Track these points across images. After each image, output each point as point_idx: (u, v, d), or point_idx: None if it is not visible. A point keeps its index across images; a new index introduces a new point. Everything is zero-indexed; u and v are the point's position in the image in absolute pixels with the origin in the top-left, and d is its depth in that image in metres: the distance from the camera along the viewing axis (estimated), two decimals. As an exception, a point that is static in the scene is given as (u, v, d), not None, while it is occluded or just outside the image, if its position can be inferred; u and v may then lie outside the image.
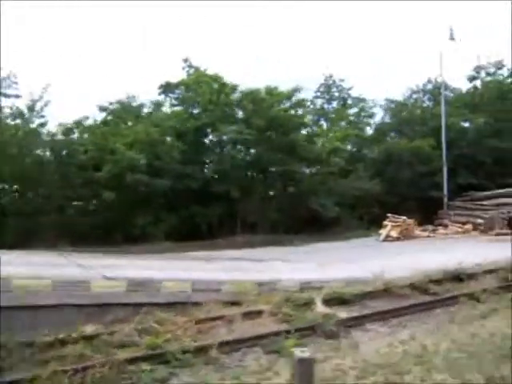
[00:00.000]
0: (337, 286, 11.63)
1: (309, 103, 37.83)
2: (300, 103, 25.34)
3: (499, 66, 36.17)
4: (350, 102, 37.84)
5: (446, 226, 26.65)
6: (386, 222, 23.11)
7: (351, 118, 34.72)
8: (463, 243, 21.23)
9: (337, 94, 38.33)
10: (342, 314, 10.00)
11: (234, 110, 24.33)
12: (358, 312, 10.26)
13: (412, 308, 10.01)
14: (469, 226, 25.35)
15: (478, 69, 36.38)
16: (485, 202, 27.07)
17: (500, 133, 30.53)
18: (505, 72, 36.59)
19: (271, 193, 25.72)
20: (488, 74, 35.88)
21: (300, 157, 23.91)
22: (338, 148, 24.50)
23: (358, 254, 18.42)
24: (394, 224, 22.59)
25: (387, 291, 11.52)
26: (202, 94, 24.40)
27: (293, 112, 25.13)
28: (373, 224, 25.72)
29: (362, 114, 34.91)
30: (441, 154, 28.77)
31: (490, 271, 13.53)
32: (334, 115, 33.46)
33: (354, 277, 12.47)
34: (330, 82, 38.73)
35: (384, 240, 22.43)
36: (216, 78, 25.58)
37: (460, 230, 24.69)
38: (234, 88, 24.46)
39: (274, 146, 23.34)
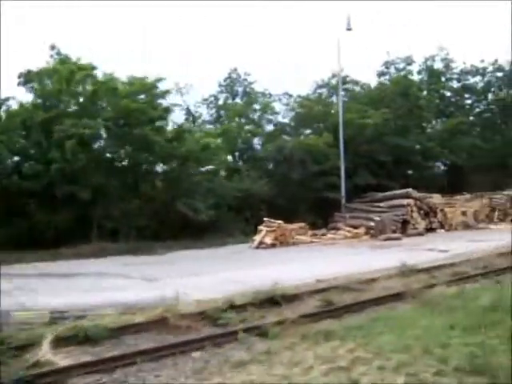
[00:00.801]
0: (101, 314, 8.86)
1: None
2: (161, 95, 22.28)
3: (409, 61, 34.61)
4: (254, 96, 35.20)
5: (339, 230, 24.33)
6: (260, 227, 20.49)
7: (257, 114, 32.05)
8: (342, 250, 18.92)
9: (241, 89, 35.68)
10: (65, 361, 7.16)
11: (92, 101, 21.06)
12: (95, 355, 7.39)
13: (162, 350, 7.18)
14: (361, 230, 23.12)
15: (387, 64, 34.66)
16: (381, 204, 24.98)
17: (402, 131, 28.64)
18: (415, 67, 35.20)
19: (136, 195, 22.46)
20: (397, 70, 34.18)
21: (160, 154, 20.91)
22: (209, 145, 21.60)
23: (216, 264, 16.13)
24: (268, 229, 19.95)
25: (165, 321, 8.78)
26: (55, 82, 21.07)
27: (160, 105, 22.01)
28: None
29: (267, 109, 32.26)
30: (338, 153, 26.42)
31: (322, 290, 11.06)
32: (230, 110, 30.64)
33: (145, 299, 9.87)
34: (234, 75, 36.05)
35: (257, 247, 19.78)
36: (82, 67, 22.21)
37: (349, 234, 22.38)
38: (90, 76, 21.15)
39: (128, 141, 20.27)
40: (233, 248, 20.61)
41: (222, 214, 23.39)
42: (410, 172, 29.20)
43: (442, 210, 25.39)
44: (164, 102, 22.50)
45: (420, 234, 23.01)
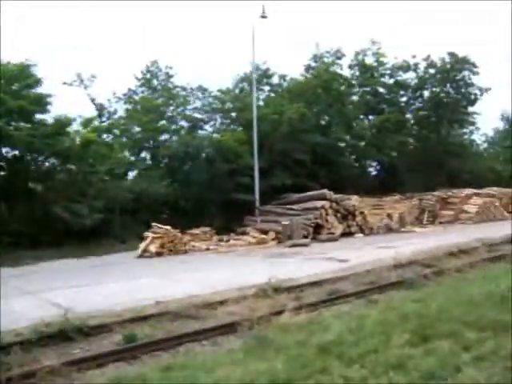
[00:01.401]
0: None
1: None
2: (32, 83, 19.55)
3: (339, 55, 32.78)
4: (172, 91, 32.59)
5: (246, 235, 22.15)
6: (147, 233, 18.08)
7: (172, 109, 29.46)
8: (232, 260, 16.72)
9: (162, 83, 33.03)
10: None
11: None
12: None
13: None
14: (269, 235, 21.00)
15: (315, 57, 32.72)
16: (294, 207, 22.93)
17: (324, 127, 26.71)
18: (346, 62, 33.41)
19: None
20: (325, 64, 32.26)
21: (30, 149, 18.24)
22: (90, 141, 19.03)
23: (69, 278, 13.71)
24: (154, 235, 17.56)
25: None
26: None
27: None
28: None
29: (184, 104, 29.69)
30: (251, 151, 24.20)
31: (143, 318, 8.88)
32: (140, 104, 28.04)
33: None
34: (154, 69, 33.39)
35: (141, 256, 17.38)
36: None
37: (253, 240, 20.22)
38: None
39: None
40: (115, 257, 18.21)
41: (114, 217, 20.80)
42: (335, 172, 27.11)
43: (361, 213, 23.49)
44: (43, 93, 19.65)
45: (333, 240, 21.06)
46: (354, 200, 23.17)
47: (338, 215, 22.83)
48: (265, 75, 29.75)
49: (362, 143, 29.90)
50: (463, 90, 35.55)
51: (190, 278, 12.91)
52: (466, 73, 35.59)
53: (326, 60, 32.52)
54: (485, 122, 63.09)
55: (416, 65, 33.47)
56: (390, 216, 26.58)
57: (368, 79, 33.27)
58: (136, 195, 21.15)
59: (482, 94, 35.39)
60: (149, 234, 17.96)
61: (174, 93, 28.27)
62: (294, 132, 24.20)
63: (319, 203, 22.20)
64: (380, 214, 27.44)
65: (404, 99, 36.61)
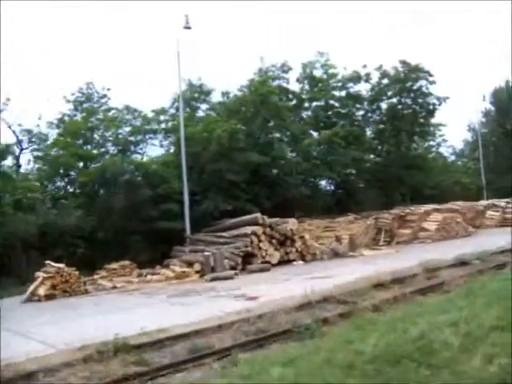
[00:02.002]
0: None
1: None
2: None
3: (285, 68, 30.87)
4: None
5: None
6: (38, 273, 15.64)
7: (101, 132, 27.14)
8: (129, 302, 14.29)
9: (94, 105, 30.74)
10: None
11: None
12: None
13: None
14: (194, 268, 18.71)
15: (260, 72, 30.78)
16: (224, 234, 20.62)
17: (264, 145, 24.58)
18: (293, 75, 31.51)
19: None
20: (270, 78, 30.30)
21: None
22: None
23: None
24: (46, 276, 15.13)
25: None
26: None
27: None
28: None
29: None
30: (181, 173, 21.97)
31: None
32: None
33: None
34: (90, 90, 31.12)
35: (28, 300, 14.92)
36: None
37: (172, 274, 17.90)
38: None
39: None
40: (4, 302, 15.71)
41: (16, 255, 18.33)
42: (280, 193, 24.91)
43: (301, 238, 21.24)
44: None
45: (265, 270, 18.72)
46: (291, 224, 20.91)
47: (274, 241, 20.49)
48: (202, 92, 27.63)
49: (312, 161, 27.72)
50: (421, 101, 33.73)
51: (43, 332, 10.48)
52: (423, 82, 33.87)
53: (271, 74, 30.57)
54: (453, 134, 61.92)
55: (368, 75, 31.63)
56: (338, 239, 24.39)
57: (318, 92, 31.35)
58: (42, 228, 18.68)
59: (440, 104, 33.64)
60: (39, 274, 15.50)
61: (106, 115, 25.88)
62: (224, 151, 21.96)
63: (250, 229, 19.89)
64: (331, 237, 25.42)
65: (361, 112, 34.75)
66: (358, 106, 33.45)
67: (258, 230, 20.07)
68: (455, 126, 71.99)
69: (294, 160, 24.36)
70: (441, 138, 46.78)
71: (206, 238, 21.61)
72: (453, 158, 48.80)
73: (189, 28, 22.52)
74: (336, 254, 22.50)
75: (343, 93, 32.08)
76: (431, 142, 46.76)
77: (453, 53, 73.87)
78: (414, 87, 33.73)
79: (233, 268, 18.82)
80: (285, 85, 30.08)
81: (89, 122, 26.14)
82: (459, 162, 48.52)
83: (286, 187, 24.81)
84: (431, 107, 33.92)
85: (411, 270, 15.91)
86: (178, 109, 27.69)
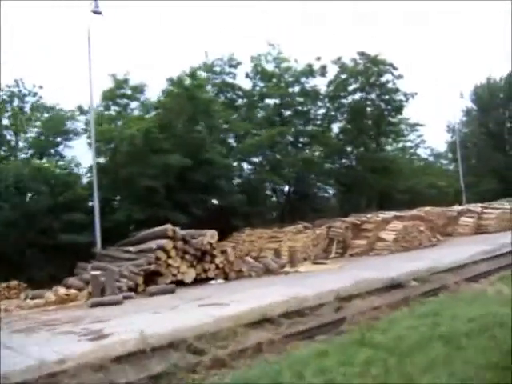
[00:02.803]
0: None
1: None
2: None
3: (233, 63, 28.02)
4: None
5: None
6: None
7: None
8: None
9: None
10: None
11: None
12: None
13: None
14: (80, 291, 15.83)
15: (205, 67, 27.92)
16: (131, 248, 17.75)
17: (194, 146, 21.72)
18: (242, 70, 28.66)
19: None
20: (214, 73, 27.47)
21: None
22: None
23: None
24: None
25: None
26: None
27: None
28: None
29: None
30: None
31: None
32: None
33: None
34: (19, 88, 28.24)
35: None
36: None
37: (54, 298, 15.03)
38: None
39: None
40: None
41: None
42: (216, 199, 22.05)
43: (223, 252, 18.33)
44: None
45: (168, 291, 15.81)
46: (209, 236, 18.01)
47: (188, 257, 17.58)
48: (134, 89, 24.72)
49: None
50: (387, 97, 30.82)
51: None
52: (389, 77, 31.00)
53: (218, 69, 27.73)
54: (435, 135, 59.11)
55: (324, 68, 28.65)
56: (277, 252, 21.54)
57: (271, 88, 28.46)
58: None
59: (407, 100, 30.73)
60: None
61: (17, 115, 22.98)
62: (138, 153, 19.05)
63: (156, 243, 17.01)
64: (275, 249, 22.72)
65: (323, 110, 31.84)
66: (319, 103, 30.43)
67: (167, 243, 17.19)
68: (437, 126, 69.19)
69: (226, 162, 21.39)
70: (419, 138, 44.10)
71: (115, 253, 18.72)
72: (433, 159, 45.40)
73: (99, 13, 19.71)
74: (268, 271, 19.57)
75: (298, 88, 28.90)
76: (408, 143, 44.05)
77: (438, 50, 71.26)
78: (379, 82, 30.74)
79: (131, 289, 15.93)
80: (231, 80, 27.10)
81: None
82: (438, 164, 45.46)
83: (219, 193, 21.89)
84: (398, 104, 30.87)
85: (328, 297, 13.11)
86: (106, 107, 24.94)
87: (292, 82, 28.37)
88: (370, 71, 29.37)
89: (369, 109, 31.37)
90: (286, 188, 28.58)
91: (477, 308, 9.15)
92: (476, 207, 33.45)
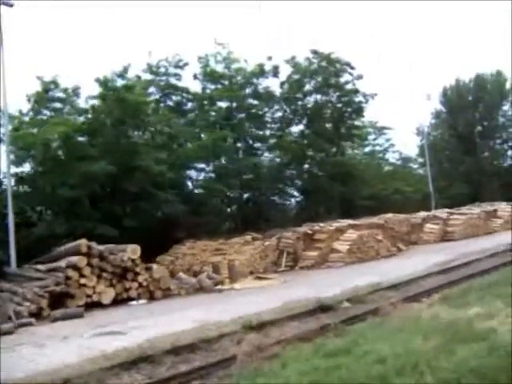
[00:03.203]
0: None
1: None
2: None
3: (179, 64, 26.32)
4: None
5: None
6: None
7: None
8: None
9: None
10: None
11: None
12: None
13: None
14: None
15: (151, 68, 26.17)
16: (41, 267, 15.90)
17: (118, 151, 19.91)
18: (190, 71, 26.96)
19: None
20: (156, 74, 25.74)
21: None
22: None
23: None
24: None
25: None
26: None
27: None
28: None
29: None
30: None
31: None
32: None
33: None
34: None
35: None
36: None
37: None
38: None
39: None
40: None
41: None
42: (152, 211, 20.23)
43: (147, 269, 16.54)
44: None
45: (75, 315, 13.97)
46: (130, 251, 16.22)
47: (106, 275, 15.76)
48: (67, 92, 22.84)
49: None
50: (346, 99, 29.28)
51: None
52: (348, 77, 29.49)
53: (163, 70, 25.99)
54: (406, 139, 57.90)
55: (276, 68, 26.99)
56: (215, 266, 19.81)
57: (221, 91, 26.78)
58: None
59: (367, 102, 29.22)
60: None
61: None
62: (55, 160, 17.21)
63: (67, 261, 15.19)
64: (219, 262, 21.08)
65: (280, 113, 30.19)
66: (276, 106, 28.75)
67: (80, 261, 15.38)
68: (408, 130, 68.07)
69: (161, 169, 19.60)
70: (388, 142, 42.77)
71: (29, 272, 16.86)
72: (401, 164, 43.98)
73: (10, 5, 17.90)
74: (201, 288, 17.81)
75: (250, 90, 27.20)
76: (377, 148, 42.67)
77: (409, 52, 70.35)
78: (339, 83, 29.17)
79: (34, 315, 14.05)
80: (177, 82, 25.36)
81: None
82: (407, 169, 44.05)
83: (156, 203, 20.13)
84: (357, 106, 29.32)
85: (236, 325, 11.44)
86: (36, 111, 23.04)
87: (243, 84, 26.66)
88: (326, 71, 27.82)
89: (329, 111, 29.80)
90: (244, 196, 26.84)
91: (398, 342, 7.48)
92: (442, 213, 32.07)
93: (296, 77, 28.14)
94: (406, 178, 38.17)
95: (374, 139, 41.33)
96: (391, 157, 42.53)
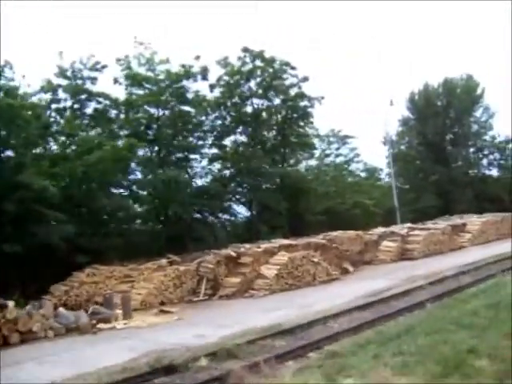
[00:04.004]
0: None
1: None
2: None
3: (95, 66, 23.50)
4: None
5: None
6: None
7: None
8: None
9: None
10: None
11: None
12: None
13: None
14: None
15: (62, 71, 23.34)
16: None
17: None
18: (109, 75, 24.12)
19: None
20: (68, 78, 22.92)
21: None
22: None
23: None
24: None
25: None
26: None
27: None
28: None
29: None
30: None
31: None
32: None
33: None
34: None
35: None
36: None
37: None
38: None
39: None
40: None
41: None
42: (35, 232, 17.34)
43: (2, 307, 13.56)
44: None
45: None
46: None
47: None
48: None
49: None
50: (290, 103, 26.44)
51: None
52: (293, 80, 26.66)
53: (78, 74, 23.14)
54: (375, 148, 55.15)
55: (205, 70, 24.10)
56: (106, 298, 16.86)
57: (145, 96, 23.93)
58: None
59: (312, 106, 26.38)
60: None
61: None
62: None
63: None
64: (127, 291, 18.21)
65: (220, 121, 27.29)
66: (210, 111, 25.87)
67: None
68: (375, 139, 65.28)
69: (44, 185, 16.65)
70: (352, 152, 39.98)
71: None
72: (365, 175, 41.10)
73: None
74: (77, 328, 14.78)
75: (175, 94, 24.27)
76: (341, 158, 39.85)
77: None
78: (284, 86, 26.34)
79: None
80: (92, 87, 22.51)
81: None
82: (372, 181, 41.17)
83: (43, 225, 17.23)
84: (302, 111, 26.48)
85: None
86: None
87: (166, 88, 23.79)
88: (264, 72, 25.06)
89: (273, 117, 27.00)
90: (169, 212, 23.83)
91: None
92: (402, 229, 29.22)
93: (226, 78, 25.31)
94: (368, 191, 35.29)
95: (337, 149, 38.50)
96: (356, 167, 39.69)
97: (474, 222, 33.61)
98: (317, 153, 35.92)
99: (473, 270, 20.29)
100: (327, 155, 37.96)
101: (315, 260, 21.20)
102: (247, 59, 24.95)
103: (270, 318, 13.92)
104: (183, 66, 23.10)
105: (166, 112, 24.24)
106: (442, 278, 18.94)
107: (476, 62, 74.34)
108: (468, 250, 29.14)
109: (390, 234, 28.43)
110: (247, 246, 21.52)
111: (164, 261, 20.70)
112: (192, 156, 25.17)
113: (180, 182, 21.34)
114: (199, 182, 25.57)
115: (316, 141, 34.82)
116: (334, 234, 25.41)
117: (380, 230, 29.05)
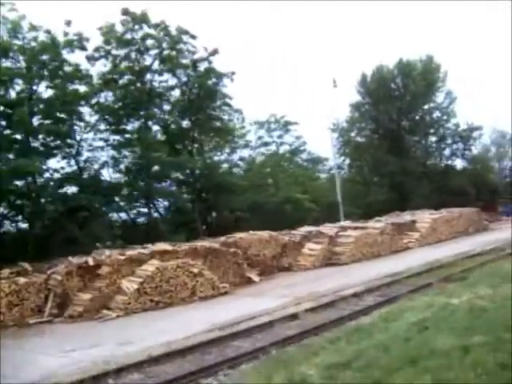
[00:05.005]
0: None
1: None
2: None
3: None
4: None
5: None
6: None
7: None
8: None
9: None
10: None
11: None
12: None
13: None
14: None
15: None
16: None
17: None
18: None
19: None
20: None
21: None
22: None
23: None
24: None
25: None
26: None
27: None
28: None
29: None
30: None
31: None
32: None
33: None
34: None
35: None
36: None
37: None
38: None
39: None
40: None
41: None
42: None
43: None
44: None
45: None
46: None
47: None
48: None
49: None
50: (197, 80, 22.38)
51: None
52: (202, 54, 22.60)
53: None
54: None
55: (80, 37, 19.86)
56: None
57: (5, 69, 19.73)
58: None
59: (219, 83, 22.32)
60: None
61: None
62: None
63: None
64: None
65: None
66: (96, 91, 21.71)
67: None
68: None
69: None
70: (298, 141, 36.10)
71: None
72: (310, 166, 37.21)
73: None
74: None
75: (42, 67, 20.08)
76: (286, 147, 35.97)
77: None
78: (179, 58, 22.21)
79: None
80: None
81: None
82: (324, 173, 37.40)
83: None
84: (211, 89, 22.38)
85: None
86: None
87: (32, 59, 19.55)
88: (158, 42, 20.92)
89: (178, 96, 22.89)
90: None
91: None
92: (332, 229, 25.37)
93: (108, 48, 21.13)
94: (305, 183, 31.35)
95: (279, 136, 34.58)
96: (300, 157, 35.81)
97: (424, 219, 30.07)
98: (252, 141, 32.13)
99: (387, 285, 16.45)
100: (266, 143, 34.06)
101: (195, 270, 17.26)
102: (130, 25, 20.84)
103: (50, 367, 9.79)
104: (48, 31, 18.91)
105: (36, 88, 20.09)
106: (339, 299, 14.96)
107: (439, 44, 70.35)
108: (412, 253, 25.65)
109: (317, 234, 24.64)
110: (107, 252, 17.56)
111: (7, 270, 16.72)
112: (69, 141, 21.15)
113: (30, 172, 17.34)
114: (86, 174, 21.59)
115: (251, 127, 31.02)
116: (240, 235, 21.52)
117: (306, 229, 25.22)
